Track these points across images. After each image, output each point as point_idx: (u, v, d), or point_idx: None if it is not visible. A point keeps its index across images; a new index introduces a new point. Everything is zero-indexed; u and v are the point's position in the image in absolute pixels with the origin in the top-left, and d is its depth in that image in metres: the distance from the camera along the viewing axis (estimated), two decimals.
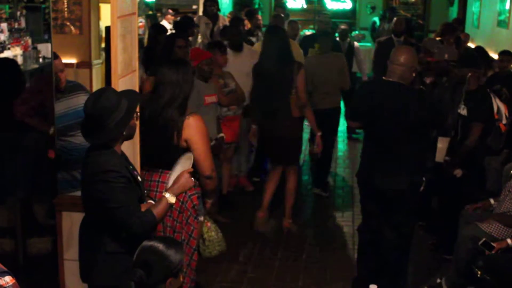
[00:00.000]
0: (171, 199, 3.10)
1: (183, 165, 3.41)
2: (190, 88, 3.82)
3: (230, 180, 6.60)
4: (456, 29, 8.47)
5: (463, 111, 5.13)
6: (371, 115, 4.37)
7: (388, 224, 4.42)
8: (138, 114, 3.12)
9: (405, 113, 4.18)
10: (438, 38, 7.48)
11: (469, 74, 5.05)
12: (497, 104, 5.12)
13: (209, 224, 4.01)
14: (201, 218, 3.88)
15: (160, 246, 2.64)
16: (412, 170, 4.32)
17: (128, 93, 3.11)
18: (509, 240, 4.15)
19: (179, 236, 3.76)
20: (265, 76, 5.67)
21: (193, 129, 3.72)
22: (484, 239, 4.25)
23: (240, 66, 6.53)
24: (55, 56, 4.42)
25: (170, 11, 11.06)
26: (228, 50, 6.57)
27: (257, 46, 7.08)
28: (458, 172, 5.07)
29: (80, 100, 4.40)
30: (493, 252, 4.14)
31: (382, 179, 4.32)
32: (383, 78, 4.38)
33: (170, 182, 3.32)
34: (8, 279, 2.11)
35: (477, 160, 5.15)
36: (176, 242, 2.85)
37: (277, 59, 5.59)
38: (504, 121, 5.18)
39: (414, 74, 4.32)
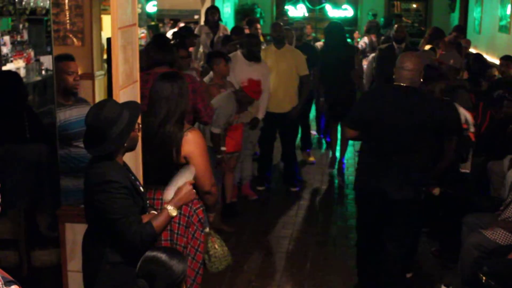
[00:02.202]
0: (173, 212, 3.10)
1: (184, 177, 3.38)
2: (186, 103, 3.73)
3: (228, 193, 6.52)
4: (443, 33, 8.48)
5: None
6: (379, 123, 4.28)
7: (393, 235, 4.38)
8: (140, 125, 3.13)
9: (427, 116, 4.16)
10: (428, 46, 7.46)
11: (438, 86, 4.90)
12: (464, 113, 5.04)
13: (214, 239, 3.94)
14: (207, 230, 3.85)
15: (163, 256, 2.64)
16: (420, 178, 4.31)
17: (129, 104, 3.11)
18: None
19: (185, 252, 3.70)
20: (332, 58, 7.64)
21: (192, 145, 3.64)
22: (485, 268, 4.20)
23: (253, 76, 6.56)
24: (71, 58, 4.44)
25: (181, 24, 11.08)
26: (242, 58, 6.61)
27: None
28: (436, 191, 4.91)
29: (86, 109, 4.42)
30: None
31: (392, 188, 4.24)
32: (394, 83, 4.33)
33: (170, 194, 3.31)
34: None
35: (454, 174, 5.00)
36: (179, 252, 2.85)
37: (341, 46, 7.77)
38: (472, 130, 5.11)
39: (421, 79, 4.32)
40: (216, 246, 3.92)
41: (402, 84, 4.25)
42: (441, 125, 4.33)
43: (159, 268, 2.61)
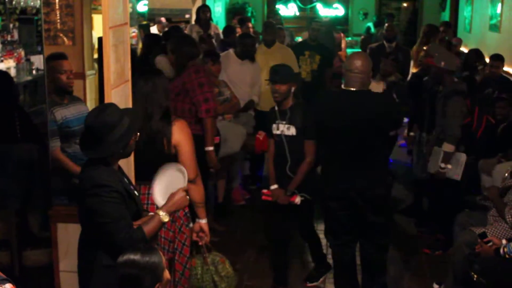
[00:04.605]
0: (165, 218, 3.07)
1: (174, 178, 3.33)
2: (164, 97, 3.77)
3: (221, 192, 6.47)
4: (438, 30, 8.54)
5: (288, 131, 4.67)
6: (337, 125, 4.20)
7: (374, 230, 4.36)
8: (138, 134, 3.12)
9: (380, 118, 4.14)
10: (425, 48, 7.49)
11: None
12: None
13: (223, 259, 3.94)
14: (191, 225, 3.86)
15: (136, 256, 2.59)
16: (385, 172, 4.36)
17: (130, 112, 3.13)
18: (504, 241, 4.14)
19: (172, 246, 3.74)
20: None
21: (180, 133, 3.74)
22: (483, 230, 4.26)
23: (245, 75, 6.57)
24: (64, 57, 4.44)
25: (163, 19, 11.08)
26: (234, 57, 6.63)
27: None
28: (298, 201, 4.64)
29: (81, 108, 4.43)
30: (484, 240, 4.14)
31: (364, 187, 4.20)
32: (343, 87, 4.25)
33: (156, 192, 3.30)
34: (8, 287, 2.14)
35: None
36: (148, 246, 2.79)
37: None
38: None
39: (370, 80, 4.30)
40: (227, 266, 3.92)
41: (351, 89, 4.16)
42: (394, 124, 4.39)
43: (138, 270, 2.57)
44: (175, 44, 5.27)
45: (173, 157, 3.70)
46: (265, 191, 4.86)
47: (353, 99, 4.18)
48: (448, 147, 5.19)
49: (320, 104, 4.51)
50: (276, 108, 4.76)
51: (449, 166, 5.23)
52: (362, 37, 10.81)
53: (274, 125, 4.75)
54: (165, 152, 3.69)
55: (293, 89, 4.66)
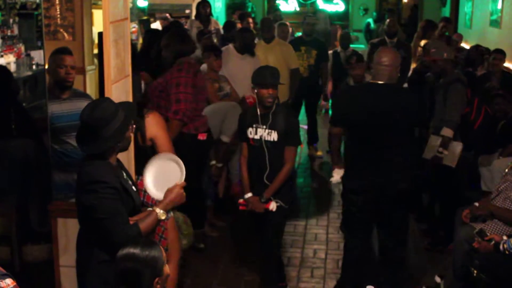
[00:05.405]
0: (161, 215, 3.08)
1: (174, 176, 3.28)
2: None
3: (221, 188, 6.46)
4: (435, 25, 8.53)
5: (269, 136, 4.41)
6: (359, 122, 4.23)
7: (393, 225, 4.40)
8: (134, 126, 3.13)
9: (407, 113, 4.17)
10: (423, 42, 7.47)
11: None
12: None
13: (186, 219, 4.11)
14: (170, 214, 3.88)
15: (136, 251, 2.61)
16: (410, 167, 4.32)
17: (125, 105, 3.13)
18: (504, 237, 4.14)
19: (151, 238, 3.79)
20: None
21: (156, 126, 3.82)
22: (480, 227, 4.27)
23: (245, 69, 6.55)
24: (68, 51, 4.43)
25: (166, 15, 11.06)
26: (234, 52, 6.62)
27: None
28: (273, 207, 4.42)
29: (80, 104, 4.41)
30: (485, 239, 4.15)
31: (388, 183, 4.21)
32: (370, 81, 4.32)
33: (148, 184, 3.28)
34: (9, 282, 2.16)
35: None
36: (148, 240, 2.79)
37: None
38: None
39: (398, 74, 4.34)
40: (188, 226, 4.12)
41: (379, 82, 4.22)
42: (419, 119, 4.41)
43: (138, 264, 2.58)
44: (166, 40, 5.26)
45: (149, 150, 3.77)
46: (241, 201, 4.62)
47: (380, 92, 4.22)
48: (447, 131, 5.19)
49: (345, 97, 4.58)
50: (258, 111, 4.44)
51: (446, 152, 5.23)
52: (340, 32, 10.52)
53: (251, 129, 4.44)
54: (141, 145, 3.75)
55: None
